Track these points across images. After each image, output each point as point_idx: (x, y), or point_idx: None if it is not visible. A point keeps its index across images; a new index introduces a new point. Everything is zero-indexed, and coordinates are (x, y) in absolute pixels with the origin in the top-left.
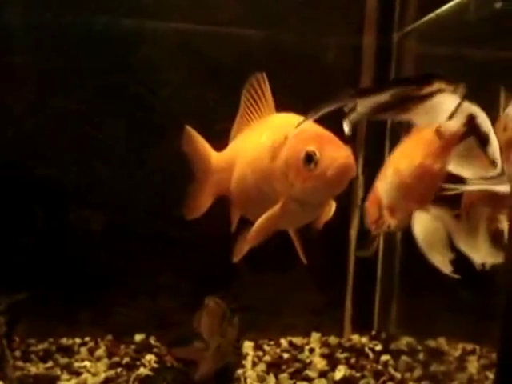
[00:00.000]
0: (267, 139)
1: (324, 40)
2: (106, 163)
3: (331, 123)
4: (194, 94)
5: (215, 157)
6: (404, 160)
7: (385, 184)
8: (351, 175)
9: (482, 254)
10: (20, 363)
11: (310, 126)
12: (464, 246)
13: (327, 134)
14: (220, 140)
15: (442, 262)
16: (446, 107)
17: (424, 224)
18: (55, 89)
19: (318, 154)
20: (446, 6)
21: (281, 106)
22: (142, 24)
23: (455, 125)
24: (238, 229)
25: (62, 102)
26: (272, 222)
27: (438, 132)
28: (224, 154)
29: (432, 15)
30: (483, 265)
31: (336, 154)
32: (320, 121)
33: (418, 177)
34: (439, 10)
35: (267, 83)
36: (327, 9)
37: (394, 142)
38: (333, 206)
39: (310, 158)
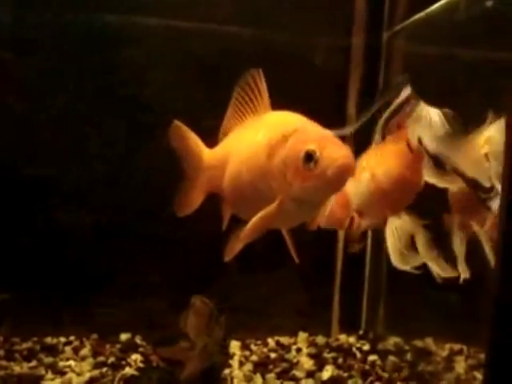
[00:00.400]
0: (263, 137)
1: (313, 39)
2: (91, 162)
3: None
4: (181, 92)
5: (207, 153)
6: (381, 167)
7: (357, 187)
8: (351, 175)
9: (439, 267)
10: (4, 362)
11: (309, 125)
12: (425, 256)
13: (327, 134)
14: (207, 137)
15: (404, 265)
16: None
17: (394, 228)
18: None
19: (317, 154)
20: (436, 5)
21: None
22: (130, 21)
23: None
24: (229, 227)
25: (54, 100)
26: (267, 220)
27: (410, 145)
28: (216, 151)
29: (422, 14)
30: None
31: (336, 154)
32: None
33: (397, 186)
34: (429, 9)
35: (263, 80)
36: (316, 8)
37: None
38: (327, 207)
39: (309, 157)
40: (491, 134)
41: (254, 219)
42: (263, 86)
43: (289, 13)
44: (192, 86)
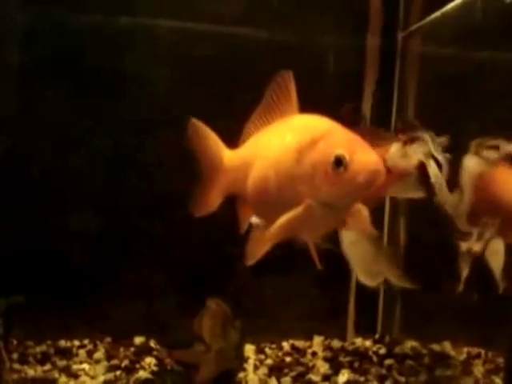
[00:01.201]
0: (292, 140)
1: (327, 40)
2: (99, 161)
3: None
4: (191, 93)
5: (228, 154)
6: None
7: None
8: (380, 181)
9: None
10: (17, 366)
11: (338, 129)
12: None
13: (357, 138)
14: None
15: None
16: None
17: (351, 239)
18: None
19: (347, 158)
20: (452, 4)
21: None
22: (136, 21)
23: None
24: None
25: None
26: (293, 222)
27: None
28: (239, 152)
29: (437, 14)
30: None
31: (367, 159)
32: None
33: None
34: (445, 9)
35: (293, 82)
36: (330, 8)
37: None
38: (364, 211)
39: (339, 162)
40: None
41: (280, 221)
42: (293, 88)
43: (303, 14)
44: (205, 87)
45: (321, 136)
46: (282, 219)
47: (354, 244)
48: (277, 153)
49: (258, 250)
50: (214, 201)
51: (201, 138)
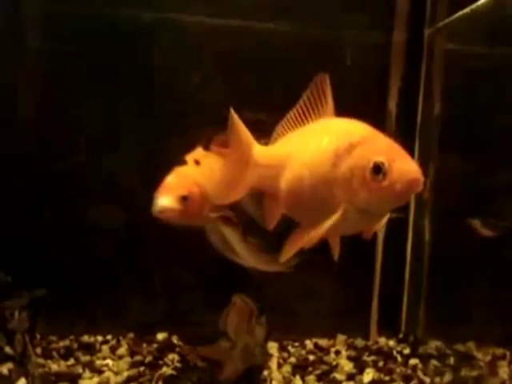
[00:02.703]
0: (329, 144)
1: (354, 36)
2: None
3: None
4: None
5: (259, 149)
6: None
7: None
8: (419, 190)
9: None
10: (41, 360)
11: (376, 135)
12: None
13: (396, 146)
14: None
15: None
16: None
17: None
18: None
19: (387, 165)
20: (482, 1)
21: None
22: (163, 16)
23: None
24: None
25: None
26: (331, 229)
27: None
28: (272, 150)
29: (466, 10)
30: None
31: (406, 168)
32: None
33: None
34: (474, 5)
35: (329, 85)
36: (357, 5)
37: (424, 143)
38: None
39: (378, 169)
40: None
41: (324, 226)
42: (329, 91)
43: (330, 10)
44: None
45: (359, 141)
46: (325, 225)
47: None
48: (313, 155)
49: (293, 249)
50: (237, 192)
51: (235, 131)
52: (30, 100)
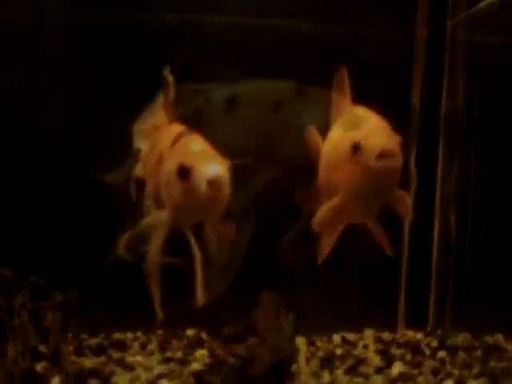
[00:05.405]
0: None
1: (376, 29)
2: None
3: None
4: None
5: None
6: None
7: None
8: (395, 164)
9: None
10: (73, 357)
11: (367, 117)
12: None
13: (380, 124)
14: None
15: None
16: None
17: None
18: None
19: (362, 144)
20: None
21: None
22: (194, 18)
23: None
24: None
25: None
26: (330, 213)
27: None
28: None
29: (487, 2)
30: None
31: (375, 142)
32: None
33: None
34: None
35: (347, 77)
36: (379, 0)
37: (448, 136)
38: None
39: (355, 148)
40: None
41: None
42: (345, 83)
43: (352, 4)
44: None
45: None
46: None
47: None
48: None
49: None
50: None
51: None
52: (52, 103)
